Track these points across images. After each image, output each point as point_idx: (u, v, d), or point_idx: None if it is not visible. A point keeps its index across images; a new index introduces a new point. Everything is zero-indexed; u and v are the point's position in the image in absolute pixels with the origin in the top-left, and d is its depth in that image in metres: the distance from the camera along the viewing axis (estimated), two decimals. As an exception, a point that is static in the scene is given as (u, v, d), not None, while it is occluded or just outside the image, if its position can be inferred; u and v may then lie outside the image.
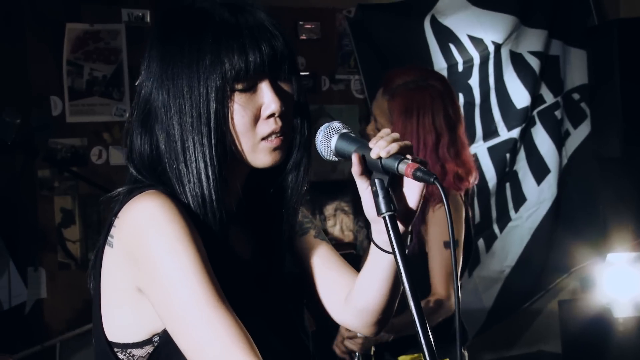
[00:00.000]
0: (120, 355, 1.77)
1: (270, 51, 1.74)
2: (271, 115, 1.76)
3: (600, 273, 5.22)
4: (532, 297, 5.89)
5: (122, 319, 1.77)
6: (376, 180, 1.72)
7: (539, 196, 5.80)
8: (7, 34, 4.66)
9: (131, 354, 1.76)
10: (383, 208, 1.70)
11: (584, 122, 5.82)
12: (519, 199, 5.80)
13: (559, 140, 5.83)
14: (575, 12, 5.81)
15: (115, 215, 1.75)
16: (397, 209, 1.71)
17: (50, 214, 4.76)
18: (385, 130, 1.72)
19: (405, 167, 1.65)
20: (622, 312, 5.09)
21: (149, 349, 1.75)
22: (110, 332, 1.78)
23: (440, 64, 5.56)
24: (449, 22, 5.57)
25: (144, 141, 1.80)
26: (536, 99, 5.77)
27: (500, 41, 5.63)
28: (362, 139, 1.77)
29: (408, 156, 1.68)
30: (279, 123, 1.77)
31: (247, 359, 1.62)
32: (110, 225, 1.77)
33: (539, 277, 5.85)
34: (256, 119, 1.76)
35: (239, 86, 1.73)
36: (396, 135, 1.71)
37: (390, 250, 1.78)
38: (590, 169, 5.77)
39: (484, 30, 5.62)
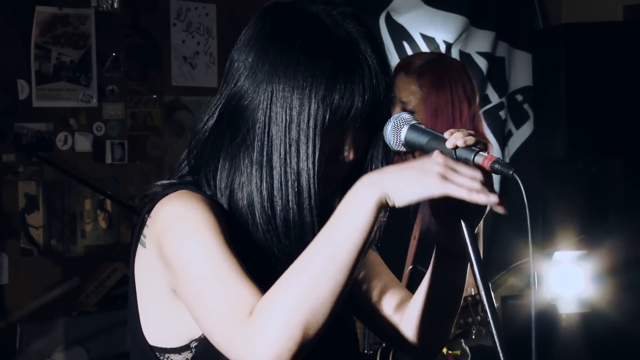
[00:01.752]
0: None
1: (371, 104, 1.69)
2: (342, 161, 1.73)
3: (544, 270, 5.37)
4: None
5: (159, 321, 1.73)
6: None
7: (483, 193, 5.90)
8: (-24, 16, 4.56)
9: (169, 359, 1.73)
10: None
11: (526, 123, 5.97)
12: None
13: (502, 139, 5.97)
14: (521, 15, 5.95)
15: (148, 213, 1.71)
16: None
17: (14, 199, 4.67)
18: (479, 173, 1.63)
19: (482, 159, 1.60)
20: (566, 308, 5.25)
21: (187, 354, 1.71)
22: (149, 335, 1.75)
23: (394, 61, 5.61)
24: (403, 20, 5.64)
25: (215, 141, 1.75)
26: (482, 99, 5.88)
27: (451, 41, 5.73)
28: (433, 131, 1.74)
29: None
30: (345, 171, 1.74)
31: (244, 324, 1.50)
32: (142, 223, 1.72)
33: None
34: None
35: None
36: (471, 131, 1.67)
37: (457, 254, 1.80)
38: (532, 169, 5.92)
39: (436, 29, 5.71)
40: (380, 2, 5.63)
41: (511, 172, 1.57)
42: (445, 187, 1.51)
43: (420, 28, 5.68)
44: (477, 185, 1.53)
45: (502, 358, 1.61)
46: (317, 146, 1.65)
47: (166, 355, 1.72)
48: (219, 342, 1.55)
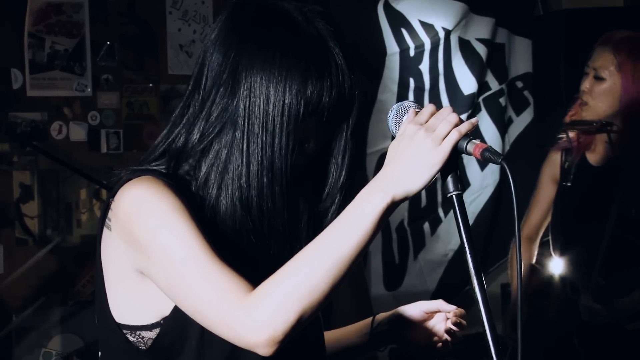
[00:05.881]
0: (129, 337, 1.80)
1: (337, 99, 1.76)
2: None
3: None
4: (474, 279, 5.98)
5: (128, 302, 1.80)
6: None
7: (482, 182, 5.90)
8: (-32, 5, 4.56)
9: (141, 336, 1.79)
10: (451, 187, 1.70)
11: (526, 110, 5.94)
12: (464, 184, 5.87)
13: (503, 127, 5.94)
14: (520, 1, 5.92)
15: (113, 196, 1.77)
16: (465, 188, 1.73)
17: (9, 189, 4.69)
18: (448, 109, 1.71)
19: (473, 147, 1.66)
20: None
21: (157, 331, 1.78)
22: (118, 314, 1.81)
23: (392, 49, 5.60)
24: (401, 6, 5.61)
25: (192, 129, 1.80)
26: (482, 85, 5.86)
27: (450, 27, 5.70)
28: None
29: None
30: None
31: (240, 303, 1.61)
32: (107, 207, 1.79)
33: (481, 261, 5.95)
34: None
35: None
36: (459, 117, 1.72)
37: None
38: (532, 156, 5.88)
39: (435, 16, 5.68)
40: (378, -11, 5.61)
41: (500, 160, 1.63)
42: (444, 148, 1.62)
43: (419, 15, 5.65)
44: (456, 118, 1.66)
45: (491, 344, 1.65)
46: (291, 137, 1.73)
47: (137, 333, 1.79)
48: (211, 322, 1.65)
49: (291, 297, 1.58)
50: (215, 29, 1.82)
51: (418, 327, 2.14)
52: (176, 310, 1.73)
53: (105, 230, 1.79)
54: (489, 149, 1.65)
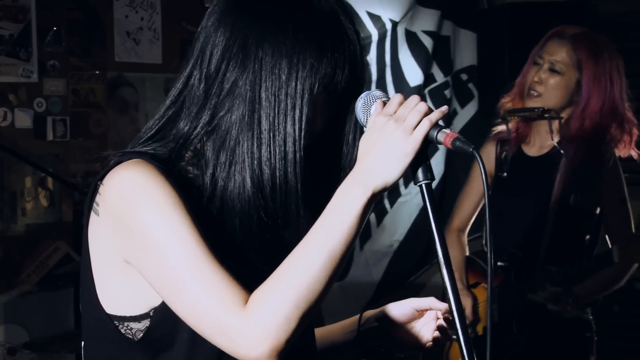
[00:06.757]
0: (120, 328, 1.73)
1: (350, 75, 1.72)
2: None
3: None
4: (418, 270, 6.02)
5: (116, 291, 1.73)
6: None
7: (427, 174, 5.91)
8: None
9: (129, 327, 1.72)
10: (421, 176, 1.69)
11: (470, 102, 5.98)
12: (409, 175, 5.87)
13: (447, 118, 5.97)
14: (466, -6, 5.97)
15: (100, 180, 1.71)
16: (434, 177, 1.72)
17: (-49, 177, 4.59)
18: (415, 97, 1.69)
19: (444, 136, 1.64)
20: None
21: (146, 322, 1.71)
22: (106, 303, 1.74)
23: (340, 39, 5.60)
24: (348, -3, 5.61)
25: (202, 109, 1.73)
26: (428, 77, 5.89)
27: (397, 19, 5.73)
28: None
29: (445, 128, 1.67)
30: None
31: (239, 313, 1.57)
32: (95, 190, 1.72)
33: (425, 252, 5.99)
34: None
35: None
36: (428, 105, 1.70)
37: None
38: (476, 148, 5.93)
39: (382, 7, 5.70)
40: (326, -20, 5.59)
41: (471, 149, 1.63)
42: (415, 137, 1.62)
43: (366, 6, 5.66)
44: (425, 107, 1.65)
45: (460, 333, 1.64)
46: (304, 113, 1.67)
47: (125, 324, 1.72)
48: (207, 330, 1.61)
49: (290, 303, 1.55)
50: (219, 3, 1.76)
51: (408, 325, 2.07)
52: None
53: (92, 215, 1.72)
54: (459, 138, 1.64)
